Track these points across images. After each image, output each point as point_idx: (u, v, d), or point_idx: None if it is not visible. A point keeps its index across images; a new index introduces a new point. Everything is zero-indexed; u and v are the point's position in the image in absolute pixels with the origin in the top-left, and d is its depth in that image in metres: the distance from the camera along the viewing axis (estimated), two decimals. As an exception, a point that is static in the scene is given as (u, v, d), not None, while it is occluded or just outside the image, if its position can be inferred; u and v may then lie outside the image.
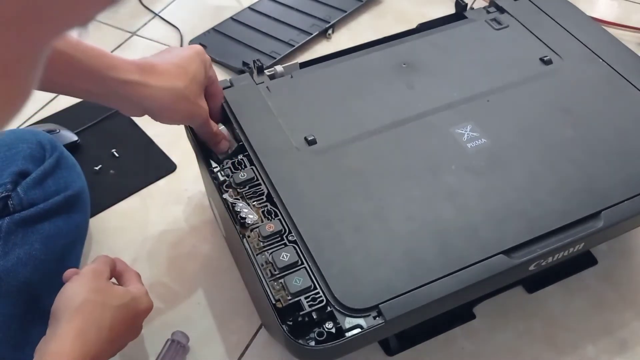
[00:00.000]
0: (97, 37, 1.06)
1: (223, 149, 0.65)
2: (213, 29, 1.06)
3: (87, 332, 0.52)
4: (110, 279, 0.60)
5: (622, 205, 0.57)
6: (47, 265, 0.65)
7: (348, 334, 0.49)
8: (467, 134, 0.63)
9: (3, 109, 0.20)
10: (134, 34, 1.08)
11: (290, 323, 0.50)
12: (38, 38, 0.20)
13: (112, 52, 1.04)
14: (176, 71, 0.58)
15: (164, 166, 0.85)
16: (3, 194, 0.65)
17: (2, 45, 0.18)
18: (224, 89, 0.68)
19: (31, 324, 0.62)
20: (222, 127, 0.66)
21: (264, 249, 0.55)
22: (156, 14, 1.12)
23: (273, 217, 0.57)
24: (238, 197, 0.59)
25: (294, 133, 0.63)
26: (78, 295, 0.54)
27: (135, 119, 0.90)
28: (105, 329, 0.53)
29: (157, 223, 0.79)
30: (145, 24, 1.10)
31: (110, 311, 0.54)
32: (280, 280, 0.53)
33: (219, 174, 0.61)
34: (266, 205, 0.58)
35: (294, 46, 1.01)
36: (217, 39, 1.04)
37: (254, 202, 0.58)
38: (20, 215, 0.65)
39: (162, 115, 0.59)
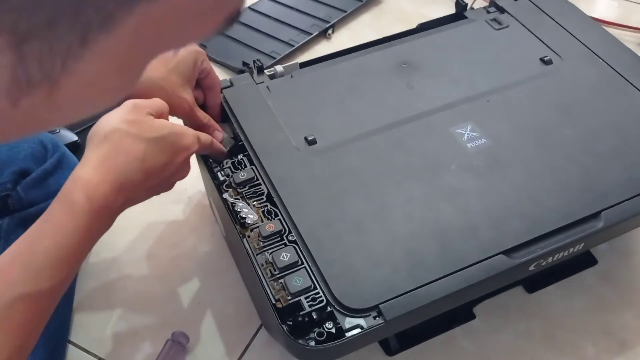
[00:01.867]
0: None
1: (217, 137, 0.63)
2: (213, 29, 1.06)
3: (114, 159, 0.49)
4: (158, 117, 0.54)
5: (622, 205, 0.57)
6: None
7: (348, 334, 0.49)
8: (467, 134, 0.63)
9: (109, 101, 0.22)
10: (134, 34, 1.08)
11: (290, 323, 0.50)
12: (157, 51, 0.22)
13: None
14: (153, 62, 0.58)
15: (164, 166, 0.85)
16: (3, 193, 0.65)
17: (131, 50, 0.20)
18: (223, 88, 0.68)
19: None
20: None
21: (264, 249, 0.55)
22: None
23: (273, 217, 0.57)
24: (238, 197, 0.59)
25: (294, 133, 0.63)
26: (110, 124, 0.50)
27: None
28: (136, 160, 0.49)
29: (157, 223, 0.79)
30: (145, 24, 1.10)
31: (142, 142, 0.50)
32: (280, 280, 0.53)
33: (218, 173, 0.61)
34: (266, 205, 0.58)
35: (294, 46, 1.01)
36: (217, 39, 1.04)
37: (254, 202, 0.58)
38: (21, 215, 0.65)
39: None
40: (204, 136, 0.58)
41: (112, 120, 0.51)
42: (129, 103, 0.52)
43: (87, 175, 0.48)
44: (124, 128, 0.50)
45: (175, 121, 0.60)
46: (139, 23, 0.19)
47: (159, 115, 0.54)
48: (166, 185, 0.55)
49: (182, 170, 0.55)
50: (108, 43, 0.19)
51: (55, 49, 0.17)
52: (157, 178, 0.52)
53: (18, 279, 0.45)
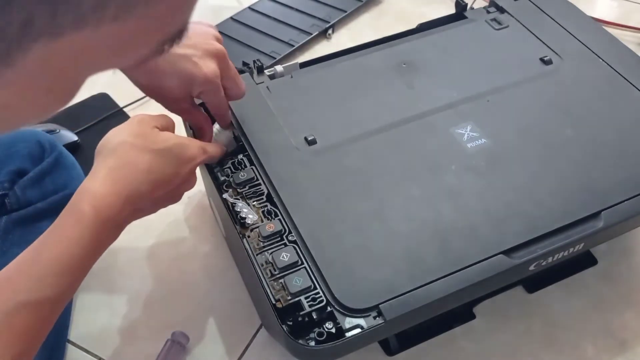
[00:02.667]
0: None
1: (227, 120, 0.63)
2: (213, 29, 1.06)
3: (120, 171, 0.49)
4: (164, 131, 0.54)
5: (622, 205, 0.58)
6: None
7: (348, 334, 0.49)
8: (467, 134, 0.63)
9: (45, 113, 0.24)
10: (134, 34, 1.08)
11: (290, 323, 0.50)
12: (87, 72, 0.24)
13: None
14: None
15: (164, 166, 0.85)
16: (0, 193, 0.65)
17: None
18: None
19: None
20: (216, 127, 0.65)
21: (264, 249, 0.55)
22: (156, 14, 1.11)
23: (273, 217, 0.57)
24: (238, 197, 0.59)
25: (294, 133, 0.63)
26: (117, 138, 0.51)
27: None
28: (142, 171, 0.50)
29: (157, 223, 0.79)
30: (145, 24, 1.10)
31: (148, 154, 0.51)
32: (280, 280, 0.53)
33: (219, 174, 0.61)
34: (266, 205, 0.58)
35: (294, 46, 1.01)
36: (217, 39, 1.04)
37: (254, 202, 0.58)
38: (19, 214, 0.65)
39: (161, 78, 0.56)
40: (211, 147, 0.59)
41: (119, 134, 0.52)
42: (135, 118, 0.54)
43: (94, 187, 0.49)
44: (130, 141, 0.51)
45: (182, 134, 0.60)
46: (44, 57, 0.20)
47: (165, 129, 0.55)
48: (173, 196, 0.55)
49: (189, 182, 0.56)
50: (14, 74, 0.20)
51: None
52: (163, 189, 0.52)
53: (21, 286, 0.45)
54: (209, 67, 0.56)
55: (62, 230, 0.48)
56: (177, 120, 0.60)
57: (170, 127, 0.56)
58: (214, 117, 0.63)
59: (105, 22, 0.20)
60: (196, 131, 0.63)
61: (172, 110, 0.61)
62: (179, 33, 0.25)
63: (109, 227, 0.49)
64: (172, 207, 0.79)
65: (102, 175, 0.49)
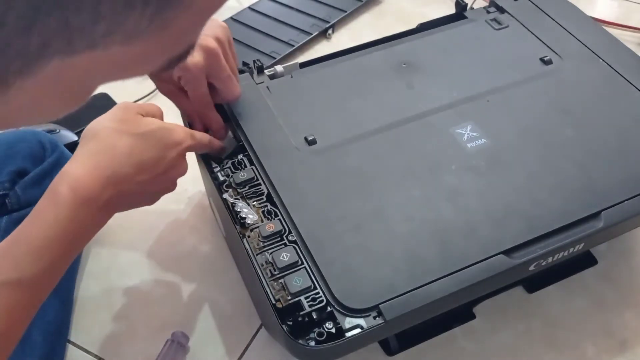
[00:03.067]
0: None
1: (212, 120, 0.63)
2: (213, 29, 1.06)
3: (100, 154, 0.49)
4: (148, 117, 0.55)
5: (622, 205, 0.57)
6: None
7: (348, 334, 0.49)
8: (467, 134, 0.63)
9: (55, 115, 0.27)
10: (134, 34, 1.08)
11: (290, 323, 0.50)
12: (97, 83, 0.26)
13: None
14: None
15: (164, 166, 0.85)
16: (0, 193, 0.66)
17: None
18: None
19: (31, 324, 0.62)
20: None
21: (264, 249, 0.55)
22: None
23: (273, 217, 0.57)
24: (238, 197, 0.59)
25: (294, 133, 0.63)
26: (99, 124, 0.52)
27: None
28: (123, 154, 0.50)
29: (157, 223, 0.79)
30: (145, 24, 1.10)
31: (130, 137, 0.51)
32: (280, 280, 0.53)
33: (219, 174, 0.61)
34: (266, 205, 0.58)
35: (294, 46, 1.01)
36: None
37: (254, 202, 0.58)
38: (19, 214, 0.65)
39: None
40: (200, 134, 0.59)
41: (101, 121, 0.52)
42: (120, 105, 0.54)
43: (73, 169, 0.49)
44: (112, 126, 0.51)
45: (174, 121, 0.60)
46: (60, 70, 0.22)
47: (150, 115, 0.55)
48: (164, 182, 0.55)
49: (178, 166, 0.55)
50: (30, 83, 0.22)
51: None
52: (148, 173, 0.52)
53: (1, 267, 0.45)
54: (194, 57, 0.57)
55: (40, 212, 0.48)
56: (178, 119, 0.60)
57: (156, 114, 0.56)
58: (199, 116, 0.63)
59: (115, 45, 0.22)
60: (185, 118, 0.64)
61: (163, 93, 0.63)
62: (186, 52, 0.26)
63: (89, 208, 0.48)
64: (172, 207, 0.80)
65: (82, 159, 0.49)
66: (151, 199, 0.56)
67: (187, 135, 0.56)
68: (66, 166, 0.49)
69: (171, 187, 0.57)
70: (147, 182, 0.52)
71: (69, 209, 0.47)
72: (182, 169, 0.56)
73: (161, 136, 0.53)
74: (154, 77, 0.62)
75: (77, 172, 0.48)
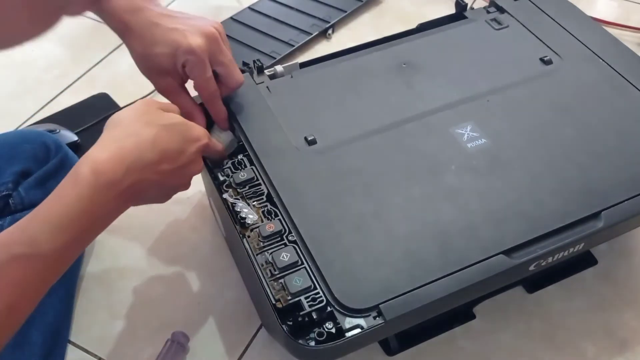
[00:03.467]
0: (97, 37, 1.06)
1: (218, 110, 0.64)
2: (213, 29, 1.06)
3: (124, 140, 0.50)
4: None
5: (622, 205, 0.57)
6: None
7: (348, 334, 0.49)
8: (467, 134, 0.63)
9: (23, 32, 0.27)
10: (134, 34, 1.08)
11: (290, 323, 0.50)
12: None
13: (111, 52, 1.04)
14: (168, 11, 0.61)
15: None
16: (4, 193, 0.66)
17: None
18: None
19: (31, 324, 0.62)
20: (216, 128, 0.65)
21: (264, 249, 0.55)
22: (156, 14, 1.11)
23: (273, 217, 0.57)
24: (238, 197, 0.59)
25: (294, 133, 0.63)
26: (123, 114, 0.53)
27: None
28: (146, 141, 0.51)
29: (157, 223, 0.79)
30: (145, 24, 1.10)
31: (154, 127, 0.52)
32: (280, 280, 0.53)
33: (219, 174, 0.61)
34: (266, 205, 0.58)
35: (294, 46, 1.01)
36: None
37: (254, 202, 0.58)
38: (23, 215, 0.65)
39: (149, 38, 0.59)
40: (213, 141, 0.60)
41: (126, 111, 0.53)
42: (142, 100, 0.55)
43: (96, 153, 0.49)
44: (136, 116, 0.52)
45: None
46: None
47: (170, 112, 0.56)
48: (181, 177, 0.55)
49: (196, 163, 0.56)
50: None
51: None
52: (169, 164, 0.52)
53: (15, 239, 0.46)
54: (196, 40, 0.58)
55: (61, 192, 0.48)
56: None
57: (176, 112, 0.57)
58: (206, 106, 0.63)
59: None
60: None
61: (161, 90, 0.63)
62: None
63: (110, 192, 0.48)
64: (172, 207, 0.80)
65: (105, 144, 0.50)
66: (167, 194, 0.56)
67: (205, 134, 0.57)
68: (89, 151, 0.50)
69: (187, 184, 0.57)
70: (168, 173, 0.53)
71: (90, 190, 0.47)
72: (199, 166, 0.57)
73: (183, 130, 0.54)
74: (152, 74, 0.62)
75: (100, 156, 0.49)
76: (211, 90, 0.62)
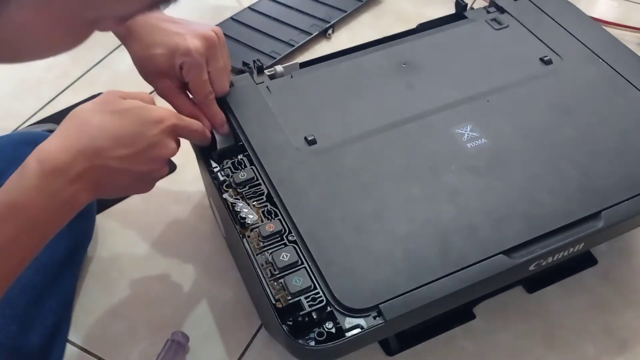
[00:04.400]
0: (97, 37, 1.06)
1: (213, 113, 0.63)
2: (213, 29, 1.06)
3: (71, 129, 0.49)
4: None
5: (622, 205, 0.58)
6: (50, 269, 0.65)
7: (348, 334, 0.49)
8: (467, 134, 0.63)
9: (59, 44, 0.29)
10: (134, 34, 1.08)
11: (290, 323, 0.50)
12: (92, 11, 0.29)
13: (111, 52, 1.04)
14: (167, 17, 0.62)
15: (164, 166, 0.85)
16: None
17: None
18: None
19: (31, 327, 0.62)
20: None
21: (264, 249, 0.55)
22: (156, 14, 1.12)
23: (273, 217, 0.57)
24: (238, 197, 0.59)
25: (294, 133, 0.63)
26: (79, 107, 0.52)
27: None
28: (96, 127, 0.49)
29: (157, 223, 0.79)
30: (145, 24, 1.10)
31: (105, 115, 0.50)
32: (280, 280, 0.53)
33: (219, 174, 0.61)
34: (266, 205, 0.58)
35: (294, 46, 1.01)
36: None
37: (254, 202, 0.58)
38: None
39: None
40: (190, 119, 0.58)
41: (84, 104, 0.52)
42: (105, 91, 0.54)
43: (43, 145, 0.48)
44: (89, 107, 0.52)
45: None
46: None
47: (133, 99, 0.54)
48: (149, 161, 0.53)
49: (162, 145, 0.54)
50: (16, 9, 0.24)
51: None
52: (128, 148, 0.51)
53: None
54: (194, 42, 0.59)
55: (7, 184, 0.47)
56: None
57: (144, 100, 0.55)
58: (198, 105, 0.63)
59: None
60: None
61: (160, 93, 0.63)
62: None
63: (57, 180, 0.47)
64: (172, 207, 0.80)
65: (55, 135, 0.49)
66: (140, 180, 0.54)
67: (171, 115, 0.55)
68: (39, 145, 0.49)
69: (160, 168, 0.55)
70: (128, 158, 0.51)
71: (36, 179, 0.46)
72: (168, 149, 0.54)
73: (139, 113, 0.52)
74: (150, 76, 0.62)
75: (46, 145, 0.48)
76: (206, 92, 0.62)
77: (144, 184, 0.56)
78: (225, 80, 0.64)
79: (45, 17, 0.26)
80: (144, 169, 0.53)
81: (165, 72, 0.61)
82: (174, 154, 0.56)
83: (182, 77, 0.61)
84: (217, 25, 1.06)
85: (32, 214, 0.47)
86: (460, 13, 0.79)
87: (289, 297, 0.51)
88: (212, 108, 0.63)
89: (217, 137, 0.63)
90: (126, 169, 0.51)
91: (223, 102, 0.66)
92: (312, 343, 0.49)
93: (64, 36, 0.28)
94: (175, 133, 0.56)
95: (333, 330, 0.50)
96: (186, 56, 0.59)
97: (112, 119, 0.51)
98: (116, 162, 0.50)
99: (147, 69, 0.61)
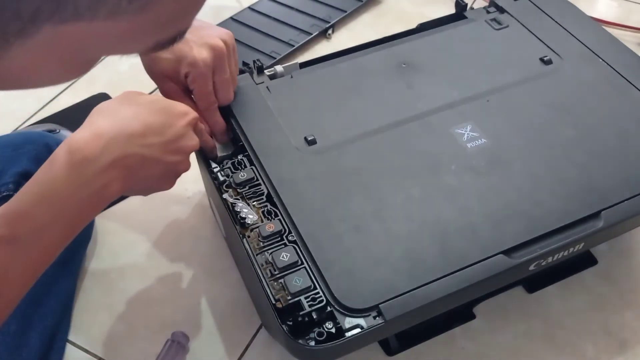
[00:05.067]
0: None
1: (216, 123, 0.63)
2: (213, 29, 1.06)
3: (102, 120, 0.49)
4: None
5: (622, 205, 0.57)
6: (49, 269, 0.65)
7: (348, 334, 0.49)
8: (467, 134, 0.63)
9: (58, 79, 0.30)
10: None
11: (290, 323, 0.50)
12: (96, 53, 0.30)
13: (112, 52, 1.04)
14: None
15: (164, 166, 0.85)
16: (4, 194, 0.65)
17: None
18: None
19: (29, 327, 0.62)
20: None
21: (264, 249, 0.55)
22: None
23: (273, 217, 0.57)
24: (238, 197, 0.59)
25: (294, 133, 0.63)
26: (105, 102, 0.52)
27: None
28: (125, 118, 0.50)
29: (157, 223, 0.79)
30: (145, 24, 1.10)
31: (132, 106, 0.51)
32: (280, 280, 0.53)
33: (219, 174, 0.61)
34: (266, 205, 0.58)
35: (294, 46, 1.01)
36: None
37: (254, 202, 0.58)
38: None
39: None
40: (200, 125, 0.59)
41: (108, 100, 0.53)
42: (125, 91, 0.54)
43: (72, 135, 0.48)
44: (114, 101, 0.52)
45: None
46: (54, 35, 0.25)
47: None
48: (177, 152, 0.53)
49: (188, 138, 0.54)
50: (30, 44, 0.26)
51: None
52: (158, 136, 0.51)
53: None
54: (202, 53, 0.59)
55: (37, 175, 0.47)
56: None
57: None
58: (201, 112, 0.63)
59: (99, 19, 0.25)
60: None
61: (164, 94, 0.62)
62: (174, 38, 0.29)
63: (88, 169, 0.47)
64: (172, 207, 0.80)
65: (83, 126, 0.49)
66: (166, 174, 0.54)
67: (191, 110, 0.55)
68: (69, 136, 0.49)
69: (185, 161, 0.55)
70: (158, 146, 0.51)
71: (66, 169, 0.46)
72: (193, 142, 0.55)
73: (165, 105, 0.53)
74: (156, 76, 0.62)
75: (76, 136, 0.48)
76: (210, 101, 0.62)
77: (169, 178, 0.55)
78: (230, 90, 0.64)
79: (48, 59, 0.27)
80: (172, 159, 0.53)
81: (170, 76, 0.61)
82: (197, 147, 0.56)
83: (187, 84, 0.62)
84: (217, 25, 1.06)
85: (62, 204, 0.46)
86: (460, 13, 0.79)
87: (289, 297, 0.51)
88: (214, 117, 0.64)
89: (216, 144, 0.64)
90: (157, 158, 0.51)
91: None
92: (312, 343, 0.49)
93: (67, 72, 0.29)
94: (198, 128, 0.57)
95: (333, 330, 0.50)
96: (192, 67, 0.59)
97: (141, 109, 0.51)
98: (147, 150, 0.50)
99: (152, 69, 0.61)
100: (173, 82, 0.62)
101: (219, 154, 0.64)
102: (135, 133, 0.49)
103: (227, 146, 0.65)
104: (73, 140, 0.48)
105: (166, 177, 0.55)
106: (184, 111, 0.54)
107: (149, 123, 0.50)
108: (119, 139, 0.48)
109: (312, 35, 1.03)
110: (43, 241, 0.47)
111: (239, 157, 0.62)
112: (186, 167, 0.55)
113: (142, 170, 0.51)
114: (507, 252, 0.54)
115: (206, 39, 0.59)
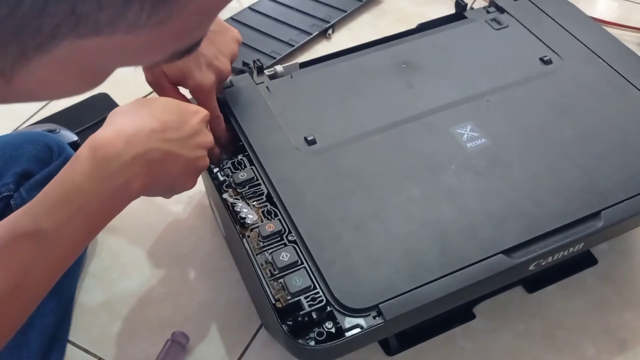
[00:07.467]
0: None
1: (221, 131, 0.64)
2: (213, 29, 1.06)
3: (122, 118, 0.50)
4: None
5: (622, 205, 0.57)
6: None
7: (348, 334, 0.49)
8: (467, 134, 0.63)
9: (75, 92, 0.31)
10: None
11: (290, 323, 0.50)
12: (112, 65, 0.30)
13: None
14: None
15: (164, 166, 0.85)
16: (5, 194, 0.66)
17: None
18: (224, 89, 0.68)
19: (29, 327, 0.62)
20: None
21: (264, 249, 0.55)
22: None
23: (273, 217, 0.57)
24: (238, 197, 0.59)
25: (294, 133, 0.63)
26: (121, 106, 0.53)
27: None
28: (145, 115, 0.51)
29: (157, 223, 0.79)
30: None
31: (149, 106, 0.52)
32: (280, 280, 0.53)
33: (219, 174, 0.61)
34: (266, 205, 0.58)
35: (294, 46, 1.01)
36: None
37: (254, 202, 0.58)
38: None
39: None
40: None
41: (119, 106, 0.53)
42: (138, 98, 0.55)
43: (96, 134, 0.49)
44: (128, 104, 0.53)
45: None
46: (73, 50, 0.26)
47: None
48: (195, 148, 0.54)
49: (204, 134, 0.55)
50: (48, 59, 0.26)
51: (5, 59, 0.25)
52: (176, 132, 0.52)
53: (19, 219, 0.46)
54: (208, 78, 0.61)
55: (62, 172, 0.48)
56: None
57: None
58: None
59: (119, 33, 0.25)
60: None
61: (154, 86, 0.63)
62: (190, 48, 0.29)
63: (110, 166, 0.47)
64: (172, 207, 0.80)
65: (105, 126, 0.50)
66: (187, 170, 0.54)
67: (203, 109, 0.56)
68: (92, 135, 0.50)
69: (204, 157, 0.55)
70: (178, 142, 0.52)
71: (89, 165, 0.47)
72: (208, 137, 0.56)
73: (178, 104, 0.54)
74: (155, 70, 0.62)
75: (98, 135, 0.49)
76: (213, 117, 0.62)
77: (190, 174, 0.55)
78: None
79: (66, 73, 0.28)
80: (191, 154, 0.53)
81: (167, 76, 0.61)
82: (212, 144, 0.57)
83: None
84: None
85: (85, 200, 0.47)
86: (460, 13, 0.79)
87: (289, 297, 0.51)
88: (220, 130, 0.64)
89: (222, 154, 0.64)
90: (177, 154, 0.52)
91: (223, 102, 0.67)
92: (312, 343, 0.49)
93: (84, 85, 0.30)
94: (211, 126, 0.58)
95: (333, 330, 0.50)
96: (196, 90, 0.61)
97: (155, 108, 0.52)
98: (168, 145, 0.51)
99: (155, 71, 0.61)
100: (173, 86, 0.62)
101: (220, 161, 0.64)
102: (155, 129, 0.50)
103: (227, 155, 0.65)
104: (96, 138, 0.48)
105: (187, 174, 0.55)
106: (195, 110, 0.55)
107: (165, 120, 0.51)
108: (140, 135, 0.49)
109: (312, 35, 1.03)
110: (67, 237, 0.47)
111: (239, 157, 0.62)
112: (205, 163, 0.56)
113: (163, 165, 0.51)
114: (507, 252, 0.54)
115: (214, 62, 0.61)
